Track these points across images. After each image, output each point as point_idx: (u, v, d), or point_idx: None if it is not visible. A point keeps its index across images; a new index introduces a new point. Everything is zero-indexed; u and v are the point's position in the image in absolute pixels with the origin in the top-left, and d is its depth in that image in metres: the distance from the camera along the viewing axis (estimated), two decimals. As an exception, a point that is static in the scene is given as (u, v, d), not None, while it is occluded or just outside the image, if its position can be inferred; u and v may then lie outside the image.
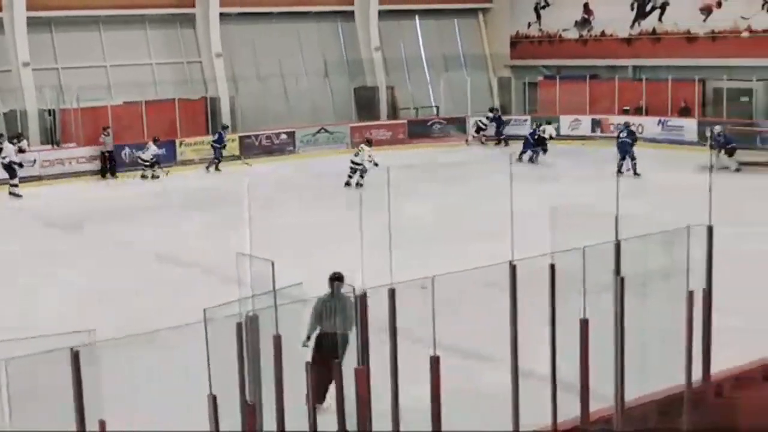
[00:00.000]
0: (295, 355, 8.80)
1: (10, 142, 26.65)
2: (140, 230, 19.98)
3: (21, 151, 27.00)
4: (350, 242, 7.73)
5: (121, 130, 30.02)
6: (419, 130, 34.56)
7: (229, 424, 6.44)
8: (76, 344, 5.34)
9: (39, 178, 28.01)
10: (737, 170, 25.72)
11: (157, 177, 28.07)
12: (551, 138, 29.69)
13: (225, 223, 18.46)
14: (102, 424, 5.39)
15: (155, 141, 28.37)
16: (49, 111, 30.27)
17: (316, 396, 7.87)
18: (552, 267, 7.41)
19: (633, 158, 25.45)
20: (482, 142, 33.17)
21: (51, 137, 30.11)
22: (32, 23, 30.04)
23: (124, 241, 18.79)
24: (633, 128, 27.16)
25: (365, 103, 36.02)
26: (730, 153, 26.10)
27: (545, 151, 29.27)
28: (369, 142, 26.15)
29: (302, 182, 26.82)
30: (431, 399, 6.80)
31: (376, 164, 24.27)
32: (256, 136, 31.81)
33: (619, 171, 23.84)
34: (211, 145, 29.71)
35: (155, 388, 8.84)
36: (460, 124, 34.37)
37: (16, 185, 25.63)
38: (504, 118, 34.29)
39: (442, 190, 24.08)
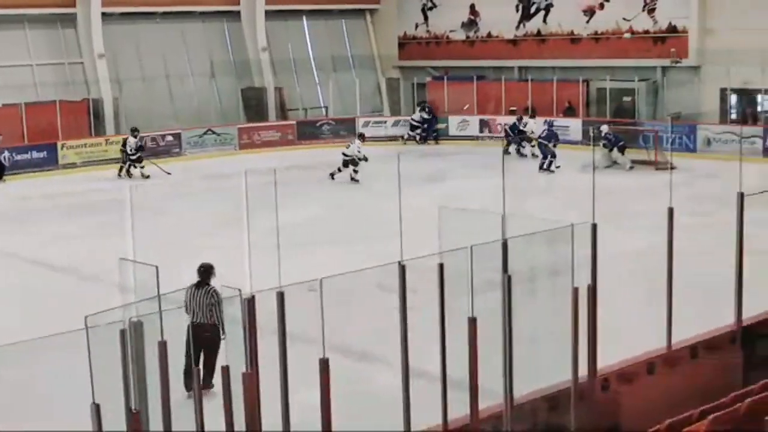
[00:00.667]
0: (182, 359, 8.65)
1: None
2: (25, 236, 19.37)
3: None
4: (238, 246, 7.63)
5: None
6: (309, 131, 34.44)
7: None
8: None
9: None
10: (631, 168, 26.41)
11: (148, 177, 27.05)
12: (532, 132, 29.28)
13: (109, 228, 18.10)
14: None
15: (134, 132, 27.60)
16: None
17: (202, 383, 8.79)
18: (441, 266, 7.43)
19: (553, 156, 26.17)
20: (417, 141, 33.26)
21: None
22: None
23: (6, 248, 18.19)
24: (554, 128, 27.65)
25: (253, 104, 35.72)
26: (622, 151, 26.83)
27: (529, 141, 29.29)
28: (362, 137, 26.91)
29: (190, 185, 26.43)
30: (321, 402, 6.74)
31: (365, 159, 24.97)
32: (141, 138, 31.21)
33: (541, 168, 25.30)
34: (121, 150, 28.56)
35: (40, 397, 8.58)
36: (349, 124, 34.35)
37: None
38: (397, 118, 34.52)
39: (333, 192, 24.05)
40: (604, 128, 27.18)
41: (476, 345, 7.46)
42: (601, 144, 26.20)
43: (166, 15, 34.41)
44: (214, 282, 10.45)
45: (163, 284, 6.42)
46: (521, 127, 29.86)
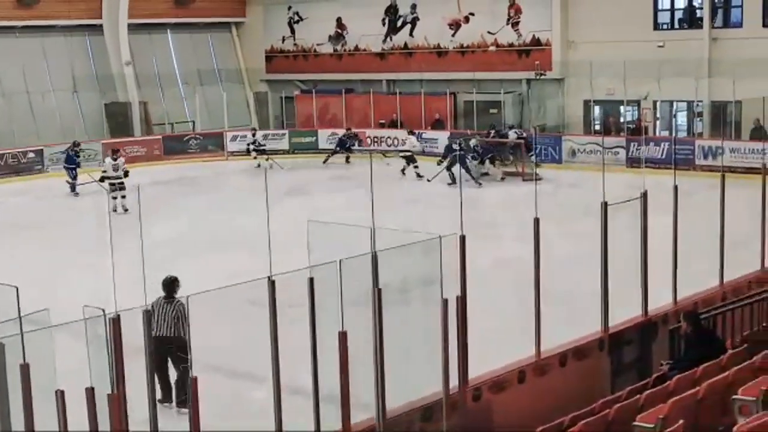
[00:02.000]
0: (45, 383, 8.33)
1: None
2: None
3: None
4: (102, 264, 7.40)
5: None
6: (175, 146, 33.90)
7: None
8: None
9: None
10: (502, 179, 26.90)
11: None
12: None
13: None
14: None
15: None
16: None
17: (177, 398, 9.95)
18: (311, 281, 7.38)
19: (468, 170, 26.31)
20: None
21: None
22: None
23: None
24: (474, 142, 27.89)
25: (117, 118, 34.96)
26: (493, 162, 27.34)
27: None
28: (413, 133, 28.76)
29: (52, 202, 25.64)
30: (190, 420, 6.61)
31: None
32: (2, 155, 30.14)
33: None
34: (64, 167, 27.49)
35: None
36: (217, 138, 33.97)
37: None
38: (265, 132, 34.33)
39: (201, 206, 23.70)
40: (473, 141, 27.60)
41: (347, 358, 7.43)
42: (469, 156, 26.55)
43: (25, 29, 33.38)
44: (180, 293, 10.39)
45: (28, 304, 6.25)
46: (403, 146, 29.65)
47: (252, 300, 7.55)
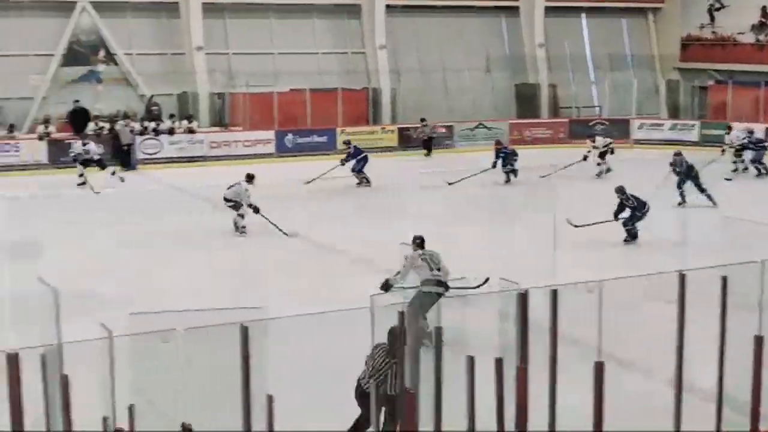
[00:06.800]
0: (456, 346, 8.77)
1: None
2: (298, 214, 20.13)
3: (191, 131, 27.54)
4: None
5: (286, 116, 30.77)
6: (580, 130, 33.91)
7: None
8: (246, 319, 5.47)
9: (204, 158, 28.98)
10: None
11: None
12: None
13: (373, 212, 18.65)
14: (269, 398, 5.51)
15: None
16: (219, 94, 31.42)
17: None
18: (724, 279, 7.14)
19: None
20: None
21: (220, 120, 31.20)
22: (207, 9, 31.11)
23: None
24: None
25: (526, 100, 35.70)
26: None
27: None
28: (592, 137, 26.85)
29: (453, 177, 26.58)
30: (594, 406, 6.65)
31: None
32: (415, 129, 31.92)
33: None
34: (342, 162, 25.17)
35: (318, 369, 8.94)
36: (622, 125, 33.58)
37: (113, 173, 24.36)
38: (674, 122, 33.40)
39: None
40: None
41: (761, 362, 7.10)
42: None
43: (445, 9, 35.02)
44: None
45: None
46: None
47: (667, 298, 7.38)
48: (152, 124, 29.37)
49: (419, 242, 11.22)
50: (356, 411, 7.61)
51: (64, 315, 5.40)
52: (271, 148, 30.17)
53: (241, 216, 17.88)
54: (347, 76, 33.38)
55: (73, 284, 11.83)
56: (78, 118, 29.06)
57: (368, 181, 24.15)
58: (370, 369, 7.50)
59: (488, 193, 23.38)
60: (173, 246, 16.81)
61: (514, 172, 24.55)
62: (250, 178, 18.28)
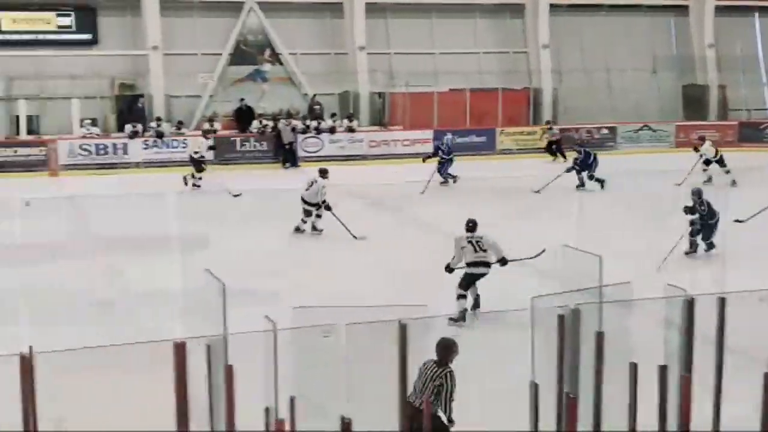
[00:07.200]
0: (617, 352, 8.58)
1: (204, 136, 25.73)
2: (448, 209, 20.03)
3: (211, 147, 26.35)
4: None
5: (445, 116, 30.82)
6: (751, 134, 32.73)
7: (544, 415, 6.38)
8: (406, 317, 5.47)
9: (364, 157, 29.36)
10: None
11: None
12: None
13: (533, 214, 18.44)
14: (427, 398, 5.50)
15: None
16: (379, 94, 31.77)
17: None
18: None
19: None
20: None
21: (379, 119, 31.54)
22: (370, 9, 31.48)
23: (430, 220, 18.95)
24: None
25: (693, 101, 34.66)
26: None
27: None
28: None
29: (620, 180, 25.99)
30: (762, 418, 6.38)
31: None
32: (576, 129, 31.42)
33: None
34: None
35: (478, 367, 8.89)
36: (796, 129, 32.21)
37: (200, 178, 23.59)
38: None
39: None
40: None
41: None
42: None
43: (612, 8, 34.39)
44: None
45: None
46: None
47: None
48: (314, 123, 29.97)
49: (470, 226, 11.91)
50: (518, 419, 7.49)
51: (229, 307, 5.54)
52: (429, 147, 30.24)
53: (319, 216, 17.47)
54: (507, 75, 33.15)
55: (239, 278, 12.18)
56: (243, 116, 29.94)
57: (454, 181, 23.99)
58: (422, 386, 7.31)
59: (634, 196, 22.69)
60: (333, 242, 17.01)
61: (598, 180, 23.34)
62: (323, 173, 17.72)
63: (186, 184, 23.44)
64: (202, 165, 23.66)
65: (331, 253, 16.27)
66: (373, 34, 31.79)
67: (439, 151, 24.21)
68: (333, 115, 30.62)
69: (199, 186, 23.35)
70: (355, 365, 5.92)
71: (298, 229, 17.50)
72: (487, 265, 11.83)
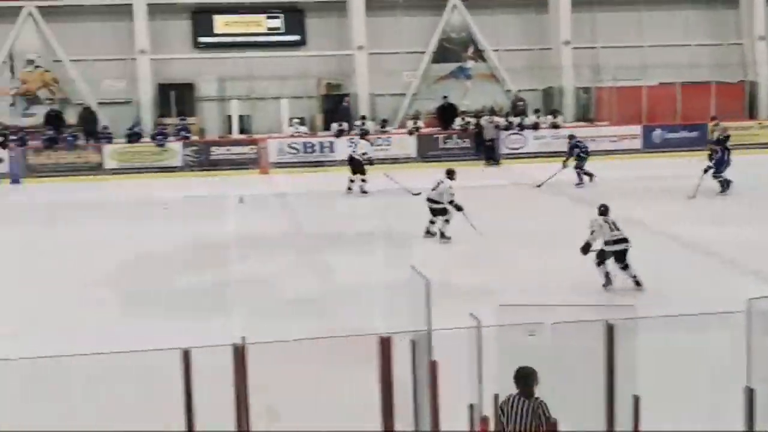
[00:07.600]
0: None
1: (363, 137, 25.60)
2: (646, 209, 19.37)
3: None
4: None
5: (654, 111, 29.96)
6: None
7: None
8: (614, 317, 5.32)
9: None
10: None
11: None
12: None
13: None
14: (635, 398, 5.33)
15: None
16: (585, 89, 31.22)
17: None
18: None
19: None
20: None
21: (585, 115, 30.99)
22: (576, 3, 30.97)
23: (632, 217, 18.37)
24: None
25: None
26: None
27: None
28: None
29: None
30: None
31: None
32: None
33: None
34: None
35: (690, 370, 8.55)
36: None
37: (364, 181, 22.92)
38: None
39: None
40: None
41: None
42: None
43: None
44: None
45: None
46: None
47: None
48: (517, 119, 29.76)
49: (603, 210, 13.29)
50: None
51: (434, 303, 5.54)
52: (637, 143, 29.50)
53: (447, 221, 16.78)
54: (721, 68, 31.80)
55: (444, 274, 12.23)
56: (446, 114, 30.08)
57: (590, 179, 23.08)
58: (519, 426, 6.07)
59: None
60: (537, 240, 16.70)
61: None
62: (450, 173, 17.12)
63: (350, 189, 22.80)
64: (364, 167, 23.01)
65: (538, 250, 15.93)
66: (578, 29, 31.24)
67: (575, 149, 23.37)
68: (536, 111, 30.32)
69: (366, 192, 22.68)
70: (560, 364, 5.80)
71: (428, 232, 17.04)
72: (627, 240, 12.98)
